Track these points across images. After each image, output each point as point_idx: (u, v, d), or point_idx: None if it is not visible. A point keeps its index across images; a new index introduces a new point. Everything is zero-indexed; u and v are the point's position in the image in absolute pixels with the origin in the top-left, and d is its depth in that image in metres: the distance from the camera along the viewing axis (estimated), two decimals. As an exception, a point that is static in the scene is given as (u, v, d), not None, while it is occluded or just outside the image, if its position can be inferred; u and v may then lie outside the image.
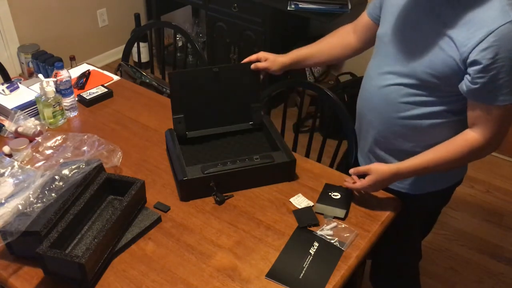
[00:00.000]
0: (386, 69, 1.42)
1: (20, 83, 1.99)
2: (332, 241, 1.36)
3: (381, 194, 1.52)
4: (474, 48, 1.20)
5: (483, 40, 1.18)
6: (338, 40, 1.66)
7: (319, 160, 1.90)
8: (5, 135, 1.76)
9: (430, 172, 1.40)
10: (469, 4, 1.22)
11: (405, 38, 1.37)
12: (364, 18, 1.58)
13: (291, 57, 1.67)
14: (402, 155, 1.46)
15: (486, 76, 1.21)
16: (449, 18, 1.26)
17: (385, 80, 1.42)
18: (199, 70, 1.68)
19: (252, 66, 1.64)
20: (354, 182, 1.44)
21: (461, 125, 1.37)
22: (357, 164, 1.71)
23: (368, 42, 1.60)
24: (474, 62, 1.21)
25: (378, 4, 1.51)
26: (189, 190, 1.48)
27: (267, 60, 1.64)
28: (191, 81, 1.61)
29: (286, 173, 1.56)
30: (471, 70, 1.23)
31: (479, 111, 1.29)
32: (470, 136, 1.32)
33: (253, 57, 1.65)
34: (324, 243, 1.36)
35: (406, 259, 1.75)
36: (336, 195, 1.48)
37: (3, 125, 1.78)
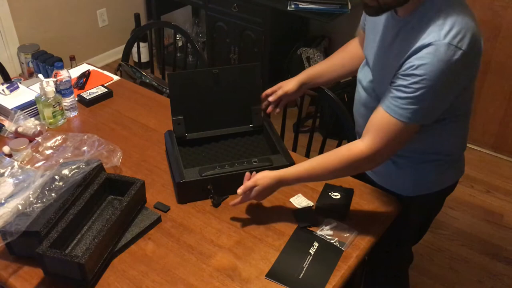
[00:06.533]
0: (369, 79, 1.44)
1: (20, 83, 2.00)
2: (332, 241, 1.36)
3: (381, 194, 1.52)
4: (402, 64, 1.22)
5: (410, 56, 1.19)
6: (348, 54, 1.65)
7: (319, 160, 1.90)
8: (5, 135, 1.76)
9: (316, 179, 1.43)
10: (416, 30, 1.22)
11: (375, 59, 1.38)
12: (361, 33, 1.59)
13: (305, 73, 1.69)
14: (396, 158, 1.47)
15: (397, 83, 1.22)
16: (399, 44, 1.26)
17: (368, 90, 1.44)
18: (199, 71, 1.68)
19: (272, 97, 1.68)
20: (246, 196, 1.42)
21: (444, 129, 1.35)
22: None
23: None
24: (397, 72, 1.23)
25: (363, 18, 1.52)
26: (186, 193, 1.48)
27: (281, 85, 1.68)
28: (191, 82, 1.61)
29: None
30: (393, 77, 1.25)
31: (375, 116, 1.29)
32: (354, 147, 1.32)
33: (268, 90, 1.70)
34: (324, 243, 1.36)
35: (396, 263, 1.75)
36: (336, 195, 1.48)
37: (3, 125, 1.78)
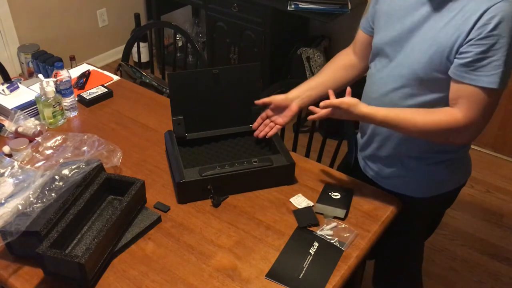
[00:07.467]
0: (386, 74, 1.40)
1: (20, 83, 2.00)
2: (332, 241, 1.36)
3: (381, 194, 1.52)
4: (471, 29, 1.19)
5: (479, 18, 1.17)
6: (339, 64, 1.60)
7: (319, 160, 1.90)
8: (5, 135, 1.76)
9: (397, 130, 1.36)
10: None
11: (402, 42, 1.35)
12: (360, 35, 1.55)
13: (301, 87, 1.58)
14: (405, 160, 1.47)
15: (474, 52, 1.19)
16: (444, 13, 1.25)
17: (386, 85, 1.40)
18: (199, 71, 1.68)
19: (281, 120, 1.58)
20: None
21: None
22: (357, 164, 1.71)
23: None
24: (468, 41, 1.20)
25: (370, 17, 1.49)
26: (186, 193, 1.48)
27: (280, 101, 1.56)
28: (191, 82, 1.61)
29: (285, 176, 1.55)
30: (462, 48, 1.21)
31: (462, 91, 1.25)
32: (451, 113, 1.28)
33: (266, 99, 1.58)
34: (324, 243, 1.36)
35: (409, 262, 1.75)
36: (336, 195, 1.48)
37: (3, 125, 1.78)
